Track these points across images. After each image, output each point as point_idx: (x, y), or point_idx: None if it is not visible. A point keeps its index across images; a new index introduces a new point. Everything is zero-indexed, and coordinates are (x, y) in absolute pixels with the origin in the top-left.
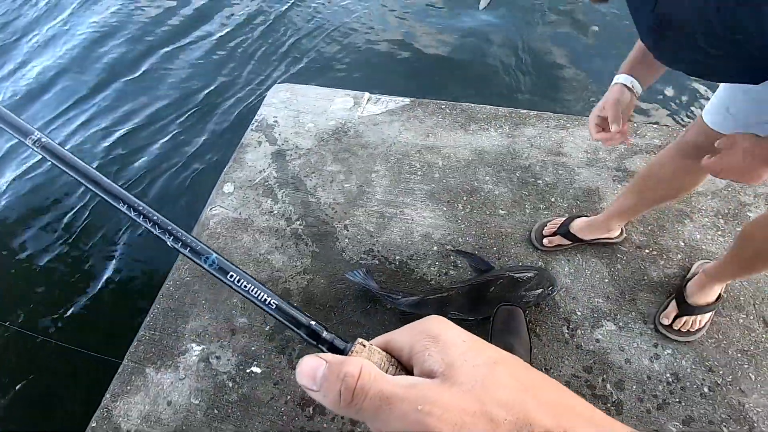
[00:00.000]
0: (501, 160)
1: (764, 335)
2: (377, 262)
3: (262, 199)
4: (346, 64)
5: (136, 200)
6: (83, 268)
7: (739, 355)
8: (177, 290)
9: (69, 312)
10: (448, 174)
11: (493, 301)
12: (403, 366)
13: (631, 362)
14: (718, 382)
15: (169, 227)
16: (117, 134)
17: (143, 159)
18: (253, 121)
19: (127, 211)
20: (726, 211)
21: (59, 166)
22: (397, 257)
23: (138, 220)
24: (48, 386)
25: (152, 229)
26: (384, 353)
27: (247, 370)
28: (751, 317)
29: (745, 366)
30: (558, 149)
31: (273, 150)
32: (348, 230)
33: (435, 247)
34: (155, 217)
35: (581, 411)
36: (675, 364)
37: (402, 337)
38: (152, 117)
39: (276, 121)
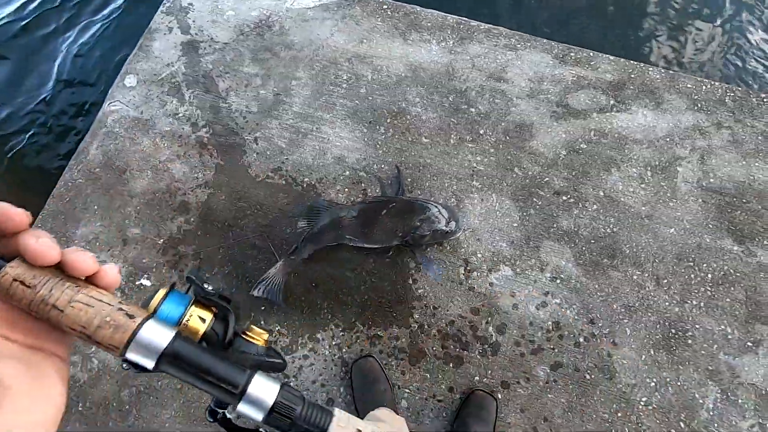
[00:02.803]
0: (436, 81)
1: (652, 293)
2: (284, 182)
3: (168, 99)
4: None
5: None
6: None
7: (622, 309)
8: (68, 192)
9: None
10: (376, 90)
11: (388, 227)
12: None
13: (518, 308)
14: (595, 333)
15: None
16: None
17: (33, 34)
18: (164, 1)
19: None
20: (657, 162)
21: None
22: (306, 179)
23: None
24: None
25: None
26: None
27: (137, 282)
28: (647, 275)
29: (625, 320)
30: (500, 74)
31: (184, 40)
32: (258, 144)
33: (347, 172)
34: None
35: None
36: (559, 313)
37: None
38: None
39: (191, 4)
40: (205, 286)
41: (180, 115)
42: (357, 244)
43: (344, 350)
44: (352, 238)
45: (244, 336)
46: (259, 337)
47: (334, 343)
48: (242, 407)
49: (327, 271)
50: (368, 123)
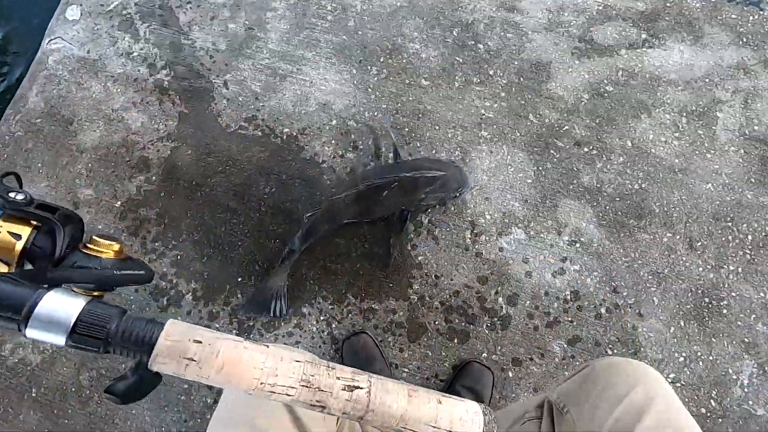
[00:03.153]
0: (437, 12)
1: (684, 257)
2: (260, 133)
3: (119, 35)
4: None
5: None
6: None
7: (650, 276)
8: (5, 147)
9: None
10: (367, 24)
11: (391, 205)
12: None
13: (532, 276)
14: (619, 303)
15: None
16: None
17: None
18: None
19: None
20: (694, 107)
21: None
22: (286, 129)
23: None
24: None
25: None
26: None
27: None
28: (678, 237)
29: (653, 289)
30: (513, 2)
31: None
32: (228, 88)
33: (334, 121)
34: None
35: None
36: (579, 281)
37: None
38: None
39: None
40: (12, 195)
41: (134, 54)
42: (353, 222)
43: (334, 326)
44: (351, 221)
45: (84, 250)
46: (106, 249)
47: (322, 318)
48: (33, 332)
49: None
50: (358, 63)
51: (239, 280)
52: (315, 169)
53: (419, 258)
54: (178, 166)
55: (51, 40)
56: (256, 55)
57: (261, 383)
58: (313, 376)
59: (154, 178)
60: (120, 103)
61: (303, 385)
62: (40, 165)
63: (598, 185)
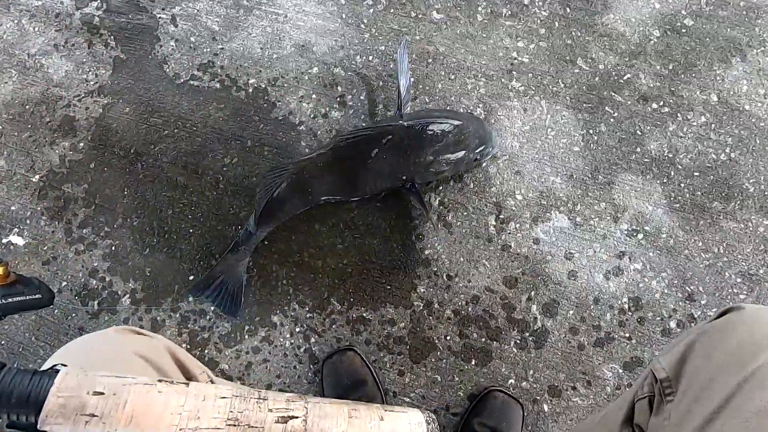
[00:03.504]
0: None
1: None
2: (218, 85)
3: None
4: None
5: None
6: None
7: (738, 279)
8: None
9: None
10: None
11: (385, 170)
12: None
13: (578, 277)
14: (695, 315)
15: None
16: None
17: None
18: None
19: None
20: None
21: None
22: (252, 80)
23: None
24: None
25: None
26: None
27: (4, 240)
28: None
29: (742, 296)
30: None
31: None
32: (177, 25)
33: (315, 69)
34: None
35: None
36: (641, 285)
37: None
38: None
39: None
40: None
41: None
42: (336, 199)
43: (313, 340)
44: (330, 197)
45: None
46: None
47: (297, 329)
48: None
49: (285, 222)
50: None
51: (190, 278)
52: (290, 132)
53: (427, 252)
54: (112, 129)
55: None
56: None
57: (180, 429)
58: (241, 412)
59: (82, 144)
60: (38, 46)
61: (230, 424)
62: None
63: (671, 155)
